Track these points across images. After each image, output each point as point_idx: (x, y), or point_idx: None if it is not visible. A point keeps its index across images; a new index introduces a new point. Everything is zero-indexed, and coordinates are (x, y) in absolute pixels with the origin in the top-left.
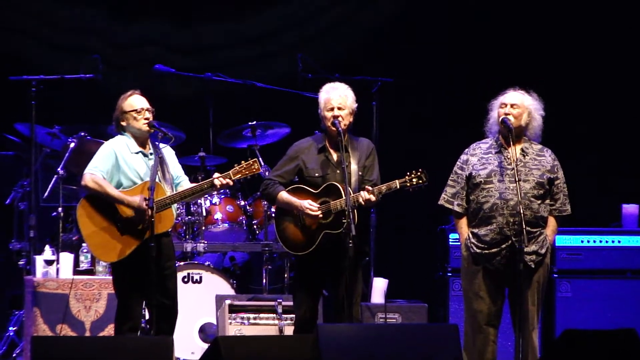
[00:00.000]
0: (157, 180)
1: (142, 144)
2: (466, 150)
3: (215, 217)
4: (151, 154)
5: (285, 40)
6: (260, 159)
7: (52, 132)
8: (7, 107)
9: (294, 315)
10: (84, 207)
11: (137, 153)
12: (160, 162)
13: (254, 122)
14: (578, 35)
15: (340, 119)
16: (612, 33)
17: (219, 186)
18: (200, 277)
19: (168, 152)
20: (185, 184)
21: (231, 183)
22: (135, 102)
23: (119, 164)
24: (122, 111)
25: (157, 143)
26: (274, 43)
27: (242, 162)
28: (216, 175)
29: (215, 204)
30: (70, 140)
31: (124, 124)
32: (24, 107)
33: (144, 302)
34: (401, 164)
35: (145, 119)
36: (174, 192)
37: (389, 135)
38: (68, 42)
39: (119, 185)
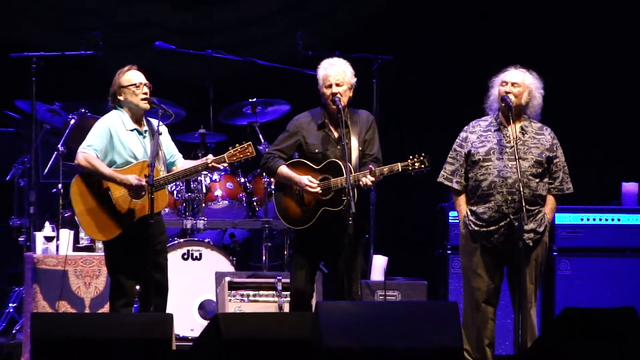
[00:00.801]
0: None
1: (137, 120)
2: (465, 127)
3: (215, 194)
4: (145, 131)
5: (286, 20)
6: (260, 135)
7: (53, 108)
8: (7, 83)
9: None
10: (77, 185)
11: (132, 130)
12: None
13: (254, 99)
14: (577, 20)
15: (339, 95)
16: (610, 27)
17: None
18: (200, 254)
19: (162, 130)
20: (179, 161)
21: (226, 165)
22: (133, 76)
23: (114, 142)
24: (120, 85)
25: (158, 120)
26: (275, 23)
27: (237, 145)
28: (210, 157)
29: (215, 181)
30: (70, 116)
31: (121, 98)
32: (24, 84)
33: (137, 279)
34: (401, 142)
35: (144, 93)
36: (167, 170)
37: (389, 113)
38: (68, 22)
39: (112, 164)
